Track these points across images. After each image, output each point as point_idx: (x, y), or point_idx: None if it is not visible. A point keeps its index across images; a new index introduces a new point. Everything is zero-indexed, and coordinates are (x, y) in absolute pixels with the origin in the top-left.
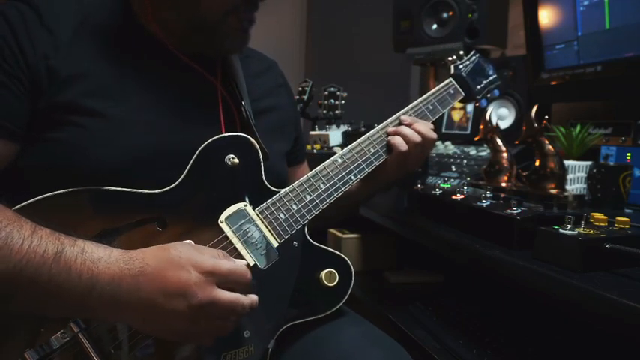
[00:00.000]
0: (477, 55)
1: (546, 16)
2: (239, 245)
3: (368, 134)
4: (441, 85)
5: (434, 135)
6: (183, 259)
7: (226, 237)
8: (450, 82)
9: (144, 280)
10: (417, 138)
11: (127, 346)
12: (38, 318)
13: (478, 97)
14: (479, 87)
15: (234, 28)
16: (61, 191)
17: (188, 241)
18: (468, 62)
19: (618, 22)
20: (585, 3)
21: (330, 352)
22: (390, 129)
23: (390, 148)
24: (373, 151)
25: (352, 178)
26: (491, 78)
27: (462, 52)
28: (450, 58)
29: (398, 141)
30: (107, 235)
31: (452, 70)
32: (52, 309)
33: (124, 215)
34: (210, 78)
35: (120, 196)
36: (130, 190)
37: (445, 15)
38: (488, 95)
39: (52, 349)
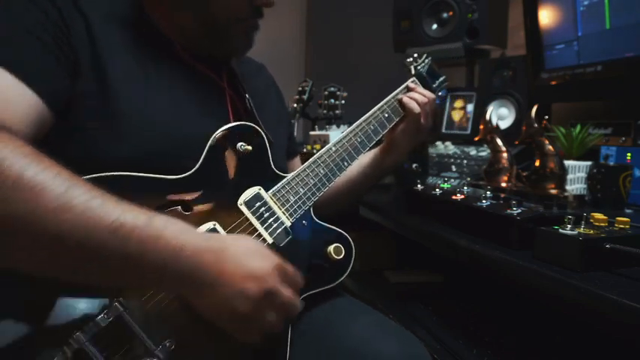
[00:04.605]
0: (429, 59)
1: (546, 16)
2: (258, 225)
3: (354, 125)
4: (404, 84)
5: (431, 95)
6: (264, 250)
7: (247, 219)
8: (414, 80)
9: (226, 256)
10: (424, 99)
11: (175, 327)
12: (84, 300)
13: (436, 93)
14: (434, 85)
15: (240, 33)
16: (85, 177)
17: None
18: (423, 64)
19: (618, 22)
20: (585, 3)
21: (346, 338)
22: (402, 97)
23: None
24: (359, 140)
25: (345, 164)
26: (441, 78)
27: (416, 55)
28: (408, 60)
29: (412, 105)
30: None
31: (413, 71)
32: (127, 276)
33: (149, 200)
34: (216, 76)
35: (142, 182)
36: (152, 175)
37: (445, 15)
38: (440, 93)
39: (99, 328)
